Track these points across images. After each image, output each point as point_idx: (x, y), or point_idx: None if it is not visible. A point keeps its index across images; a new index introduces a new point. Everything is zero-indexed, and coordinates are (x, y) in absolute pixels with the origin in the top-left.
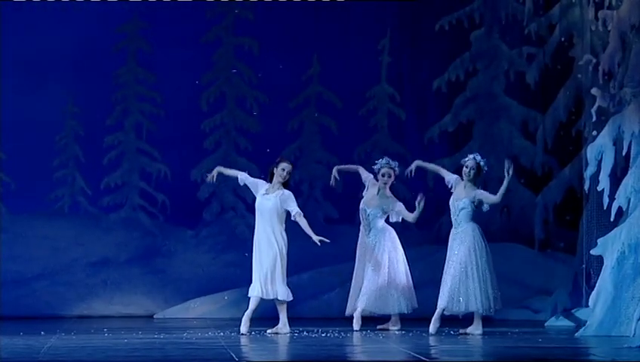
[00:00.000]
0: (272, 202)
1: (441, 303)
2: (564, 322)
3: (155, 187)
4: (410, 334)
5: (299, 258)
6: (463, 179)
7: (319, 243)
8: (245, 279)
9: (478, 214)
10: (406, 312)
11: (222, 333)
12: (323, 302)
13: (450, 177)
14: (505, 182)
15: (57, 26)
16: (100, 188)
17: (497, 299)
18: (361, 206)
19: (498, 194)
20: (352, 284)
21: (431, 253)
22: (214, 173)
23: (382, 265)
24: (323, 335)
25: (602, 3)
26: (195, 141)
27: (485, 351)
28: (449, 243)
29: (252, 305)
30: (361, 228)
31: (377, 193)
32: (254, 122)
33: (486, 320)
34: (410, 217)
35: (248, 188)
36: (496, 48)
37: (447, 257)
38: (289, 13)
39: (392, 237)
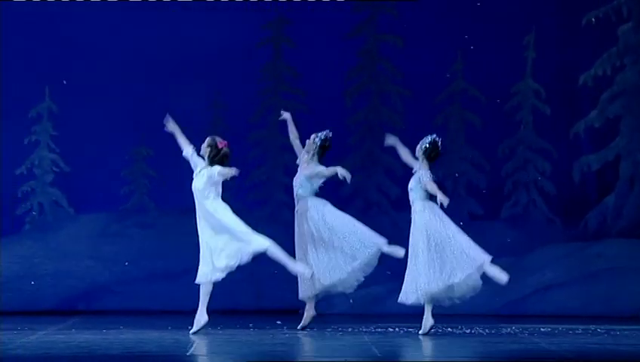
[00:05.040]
0: (199, 179)
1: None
2: None
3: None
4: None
5: None
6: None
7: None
8: (382, 275)
9: None
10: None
11: (365, 329)
12: None
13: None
14: None
15: (204, 25)
16: (244, 184)
17: None
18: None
19: None
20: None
21: (579, 249)
22: (170, 126)
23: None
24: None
25: None
26: (340, 137)
27: None
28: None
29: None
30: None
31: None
32: (398, 118)
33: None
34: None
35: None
36: None
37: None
38: (433, 9)
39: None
